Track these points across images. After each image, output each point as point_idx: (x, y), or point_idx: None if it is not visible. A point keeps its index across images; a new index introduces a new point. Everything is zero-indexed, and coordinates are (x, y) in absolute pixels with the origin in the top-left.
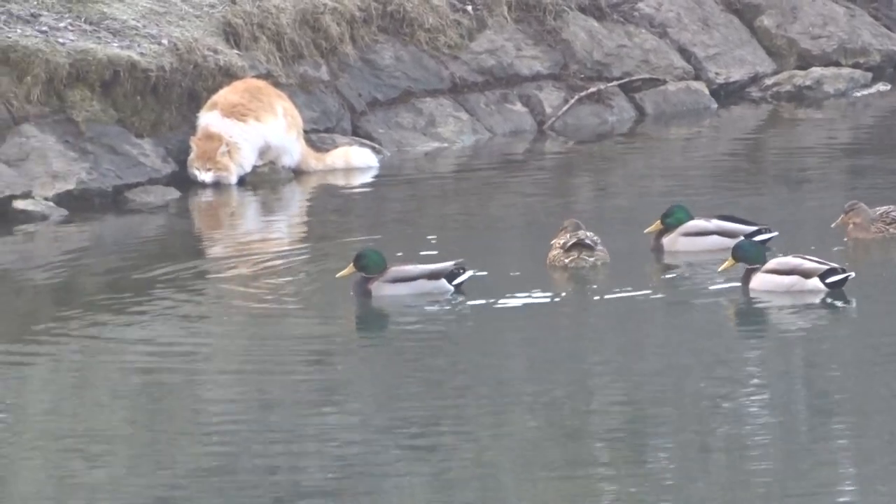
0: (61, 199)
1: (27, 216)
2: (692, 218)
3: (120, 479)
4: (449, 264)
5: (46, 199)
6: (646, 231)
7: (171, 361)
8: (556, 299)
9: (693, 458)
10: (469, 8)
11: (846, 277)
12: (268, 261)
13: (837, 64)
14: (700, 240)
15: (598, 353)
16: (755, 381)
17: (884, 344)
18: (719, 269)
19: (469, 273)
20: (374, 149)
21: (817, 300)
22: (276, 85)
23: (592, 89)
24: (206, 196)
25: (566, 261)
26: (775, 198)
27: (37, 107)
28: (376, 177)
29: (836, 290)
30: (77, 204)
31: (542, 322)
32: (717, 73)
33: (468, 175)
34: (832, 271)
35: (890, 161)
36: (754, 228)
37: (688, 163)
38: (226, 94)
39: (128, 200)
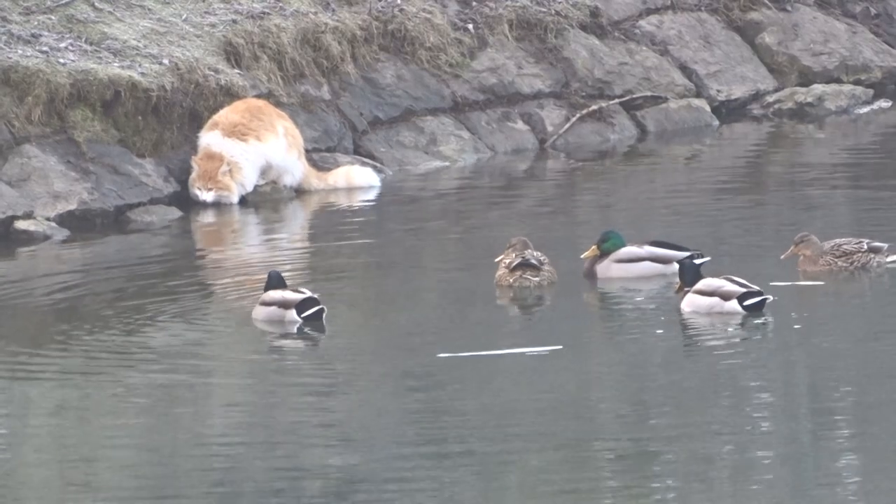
0: (63, 220)
1: (29, 237)
2: (625, 244)
3: (121, 497)
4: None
5: (48, 219)
6: (581, 256)
7: (173, 381)
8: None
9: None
10: (470, 27)
11: (763, 300)
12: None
13: (839, 81)
14: (632, 266)
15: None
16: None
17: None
18: (675, 291)
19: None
20: (375, 168)
21: (735, 322)
22: (278, 104)
23: (594, 107)
24: (208, 216)
25: (510, 280)
26: (776, 218)
27: (38, 127)
28: (378, 196)
29: (754, 312)
30: (79, 224)
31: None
32: (718, 91)
33: (470, 193)
34: (749, 294)
35: (890, 180)
36: (686, 254)
37: (689, 181)
38: (227, 114)
39: (129, 220)
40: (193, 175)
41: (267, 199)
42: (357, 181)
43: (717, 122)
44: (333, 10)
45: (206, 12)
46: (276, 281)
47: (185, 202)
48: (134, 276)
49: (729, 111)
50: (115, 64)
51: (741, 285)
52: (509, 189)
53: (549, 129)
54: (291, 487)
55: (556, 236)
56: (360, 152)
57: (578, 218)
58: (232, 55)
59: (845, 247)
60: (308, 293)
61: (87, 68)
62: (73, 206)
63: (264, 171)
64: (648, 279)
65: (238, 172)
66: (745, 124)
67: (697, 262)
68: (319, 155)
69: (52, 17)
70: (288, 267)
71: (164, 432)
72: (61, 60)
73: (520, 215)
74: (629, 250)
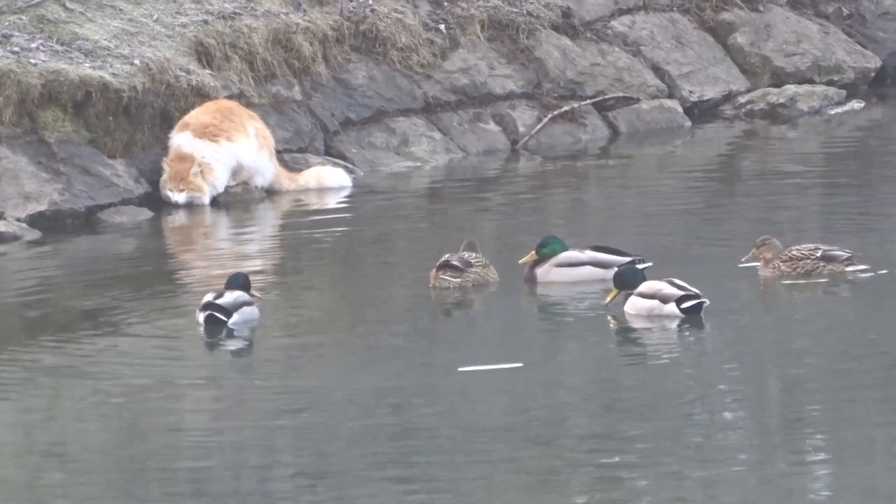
0: (34, 220)
1: None
2: (566, 249)
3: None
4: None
5: (19, 220)
6: (520, 261)
7: (144, 383)
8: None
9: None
10: (442, 27)
11: (701, 303)
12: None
13: (811, 81)
14: (573, 270)
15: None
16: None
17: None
18: (605, 302)
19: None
20: (347, 168)
21: (674, 325)
22: (249, 105)
23: (566, 108)
24: (179, 217)
25: (433, 281)
26: (746, 218)
27: (9, 128)
28: (349, 196)
29: (692, 315)
30: (50, 225)
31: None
32: (690, 92)
33: (441, 194)
34: (687, 297)
35: (862, 183)
36: (628, 259)
37: (660, 181)
38: (197, 115)
39: (100, 221)
40: (165, 176)
41: (238, 200)
42: (328, 182)
43: (689, 123)
44: (305, 11)
45: (177, 13)
46: (238, 281)
47: (157, 203)
48: (105, 278)
49: (701, 112)
50: (87, 64)
51: (680, 288)
52: (479, 190)
53: (521, 129)
54: (261, 490)
55: (520, 240)
56: (332, 153)
57: (547, 220)
58: (203, 56)
59: (794, 252)
60: None
61: (58, 69)
62: (43, 207)
63: (235, 172)
64: (588, 283)
65: (209, 173)
66: (717, 125)
67: (639, 266)
68: (291, 156)
69: (23, 18)
70: (258, 267)
71: (134, 434)
72: (32, 61)
73: (488, 216)
74: (570, 255)
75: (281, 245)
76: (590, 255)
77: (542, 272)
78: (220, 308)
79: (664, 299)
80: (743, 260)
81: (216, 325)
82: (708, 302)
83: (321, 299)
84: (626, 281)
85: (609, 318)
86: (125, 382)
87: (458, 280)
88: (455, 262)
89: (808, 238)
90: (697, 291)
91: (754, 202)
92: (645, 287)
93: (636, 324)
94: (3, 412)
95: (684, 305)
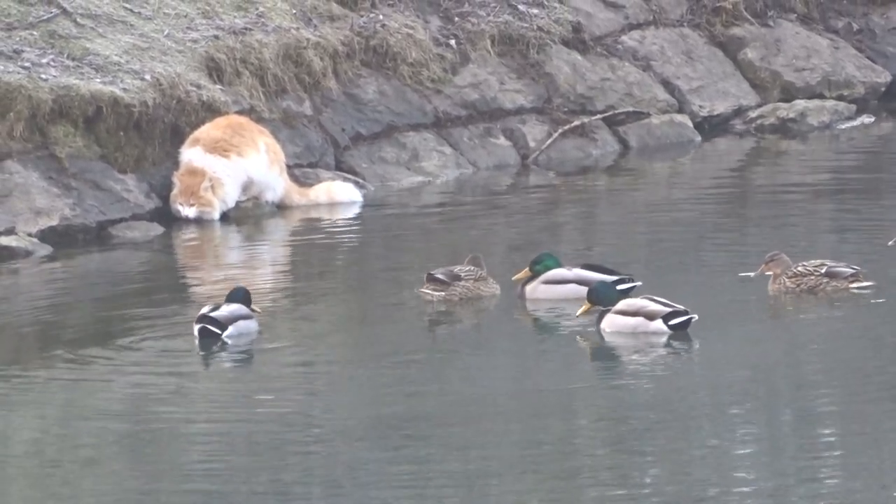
0: (45, 236)
1: (11, 253)
2: (559, 266)
3: None
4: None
5: (30, 235)
6: (513, 278)
7: (155, 398)
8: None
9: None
10: (452, 42)
11: (689, 319)
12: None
13: (821, 96)
14: (558, 288)
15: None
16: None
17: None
18: (577, 314)
19: None
20: (357, 183)
21: (661, 341)
22: (259, 120)
23: (576, 123)
24: (190, 232)
25: (419, 293)
26: (756, 233)
27: (20, 143)
28: (360, 211)
29: (679, 331)
30: (61, 240)
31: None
32: (700, 106)
33: (451, 209)
34: (675, 314)
35: (873, 197)
36: (616, 278)
37: (670, 196)
38: (208, 130)
39: (111, 236)
40: (175, 191)
41: (248, 215)
42: (339, 197)
43: (699, 138)
44: (315, 26)
45: (187, 28)
46: (238, 296)
47: (167, 218)
48: (116, 293)
49: (711, 127)
50: (97, 80)
51: (665, 304)
52: (490, 205)
53: (532, 144)
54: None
55: (529, 255)
56: (342, 168)
57: (556, 235)
58: (214, 71)
59: (799, 268)
60: None
61: (69, 84)
62: (54, 222)
63: (246, 187)
64: (575, 302)
65: (220, 188)
66: (727, 140)
67: (621, 287)
68: (301, 171)
69: (34, 33)
70: (269, 283)
71: (145, 453)
72: (43, 76)
73: (498, 231)
74: (557, 272)
75: (291, 260)
76: (576, 272)
77: (530, 289)
78: (214, 321)
79: (650, 316)
80: (752, 275)
81: (210, 338)
82: (696, 317)
83: (329, 314)
84: (601, 297)
85: (579, 337)
86: (135, 399)
87: (442, 293)
88: (439, 276)
89: (817, 254)
90: (684, 308)
91: (764, 217)
92: (625, 305)
93: (614, 341)
94: (15, 424)
95: (672, 322)
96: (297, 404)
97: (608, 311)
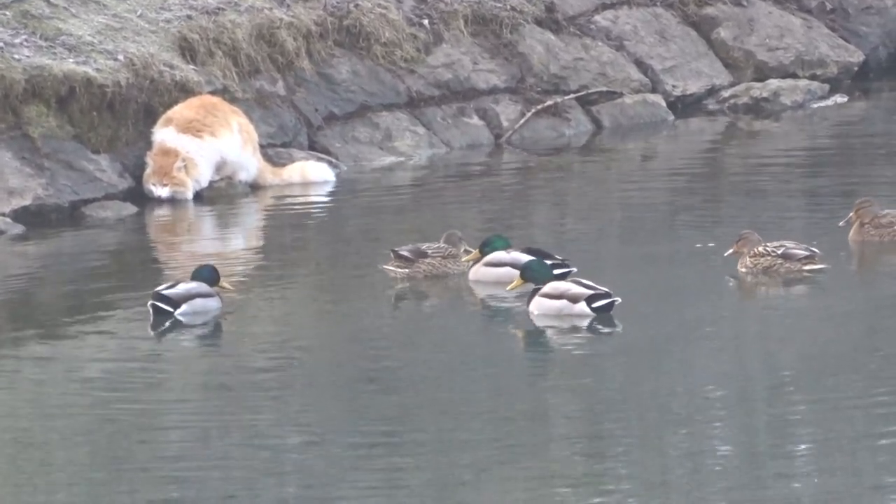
0: (18, 215)
1: None
2: (508, 248)
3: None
4: None
5: (3, 214)
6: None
7: (125, 379)
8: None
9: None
10: (425, 22)
11: (612, 302)
12: (224, 276)
13: (794, 76)
14: (493, 270)
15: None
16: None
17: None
18: (508, 288)
19: None
20: (330, 163)
21: (584, 324)
22: (233, 100)
23: (549, 102)
24: (163, 211)
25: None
26: (729, 212)
27: None
28: (333, 191)
29: (602, 314)
30: (34, 220)
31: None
32: (674, 86)
33: (425, 189)
34: (597, 296)
35: (844, 176)
36: (552, 262)
37: (642, 176)
38: (181, 110)
39: (84, 216)
40: (148, 171)
41: (222, 195)
42: (312, 176)
43: (672, 117)
44: (288, 6)
45: (160, 8)
46: (203, 274)
47: (140, 198)
48: (89, 273)
49: (684, 106)
50: (70, 60)
51: (588, 287)
52: (463, 185)
53: (505, 124)
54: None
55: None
56: (316, 148)
57: (529, 215)
58: (187, 51)
59: (759, 248)
60: None
61: (42, 64)
62: (27, 202)
63: (219, 167)
64: (507, 284)
65: (193, 168)
66: (700, 119)
67: (559, 271)
68: (274, 150)
69: (7, 13)
70: (241, 263)
71: (115, 424)
72: (16, 56)
73: (471, 211)
74: (496, 255)
75: (264, 239)
76: (513, 256)
77: (473, 271)
78: (166, 298)
79: (573, 299)
80: (725, 254)
81: (162, 315)
82: (619, 300)
83: (302, 293)
84: (533, 275)
85: (511, 328)
86: (105, 379)
87: (407, 270)
88: (403, 252)
89: (790, 234)
90: (607, 290)
91: (737, 196)
92: (550, 288)
93: (541, 323)
94: None
95: (595, 304)
96: (269, 375)
97: (539, 290)
